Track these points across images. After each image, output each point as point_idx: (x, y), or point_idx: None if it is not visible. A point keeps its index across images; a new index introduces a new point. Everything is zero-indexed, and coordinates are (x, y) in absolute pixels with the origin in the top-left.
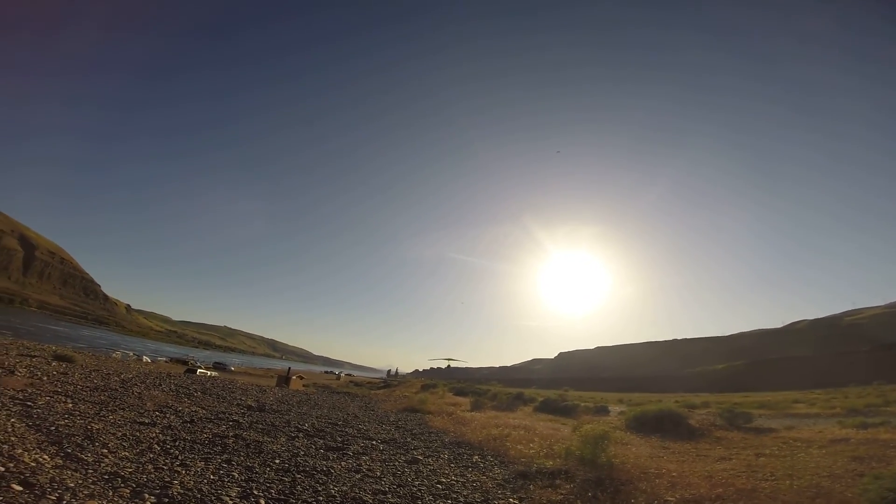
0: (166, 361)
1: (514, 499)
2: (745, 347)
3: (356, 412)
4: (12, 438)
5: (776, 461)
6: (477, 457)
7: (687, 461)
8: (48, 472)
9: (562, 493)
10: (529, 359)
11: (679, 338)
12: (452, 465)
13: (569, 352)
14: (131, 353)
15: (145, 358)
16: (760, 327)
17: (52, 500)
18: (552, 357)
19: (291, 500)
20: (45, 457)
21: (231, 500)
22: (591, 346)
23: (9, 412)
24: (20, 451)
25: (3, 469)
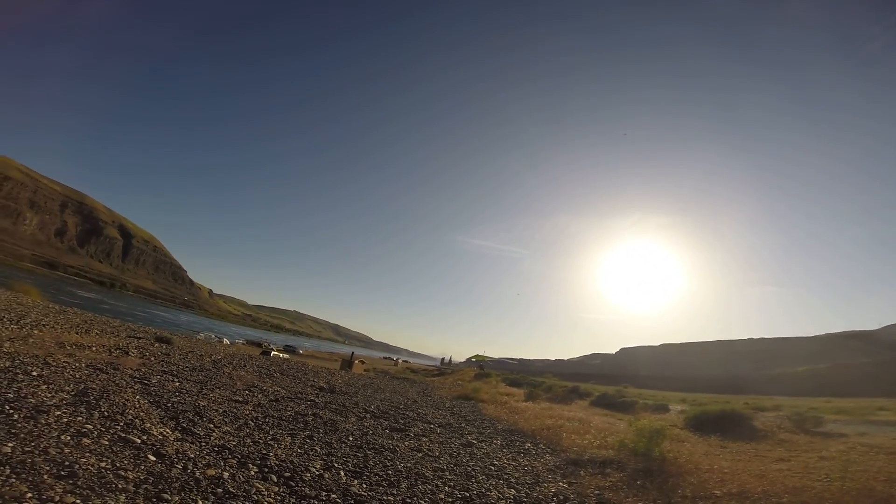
0: (244, 343)
1: (563, 483)
2: (827, 350)
3: (415, 397)
4: (141, 413)
5: (834, 464)
6: (529, 444)
7: (742, 460)
8: (172, 444)
9: (611, 481)
10: (588, 353)
11: (755, 337)
12: (505, 451)
13: (631, 347)
14: (213, 336)
15: (226, 340)
16: (849, 329)
17: (179, 468)
18: (613, 352)
19: (366, 473)
20: (167, 430)
21: (317, 470)
22: (656, 343)
23: (133, 389)
24: (149, 424)
25: (139, 441)
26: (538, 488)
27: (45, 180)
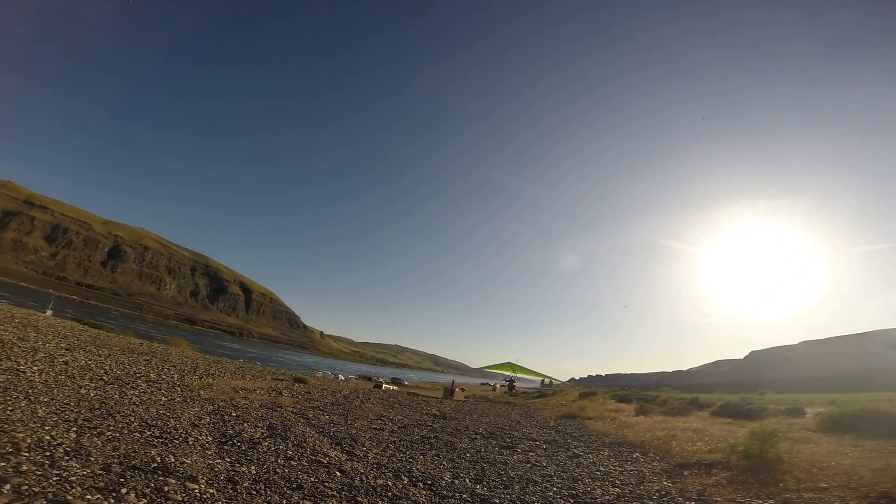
0: (356, 378)
1: (667, 482)
2: None
3: (518, 418)
4: (316, 442)
5: None
6: (638, 454)
7: (871, 458)
8: (346, 463)
9: (715, 479)
10: (711, 361)
11: None
12: (612, 460)
13: (763, 350)
14: (329, 373)
15: (341, 376)
16: None
17: (358, 480)
18: (741, 357)
19: (484, 480)
20: (339, 453)
21: (448, 479)
22: (794, 342)
23: (301, 423)
24: (326, 449)
25: (325, 461)
26: (641, 487)
27: (175, 247)
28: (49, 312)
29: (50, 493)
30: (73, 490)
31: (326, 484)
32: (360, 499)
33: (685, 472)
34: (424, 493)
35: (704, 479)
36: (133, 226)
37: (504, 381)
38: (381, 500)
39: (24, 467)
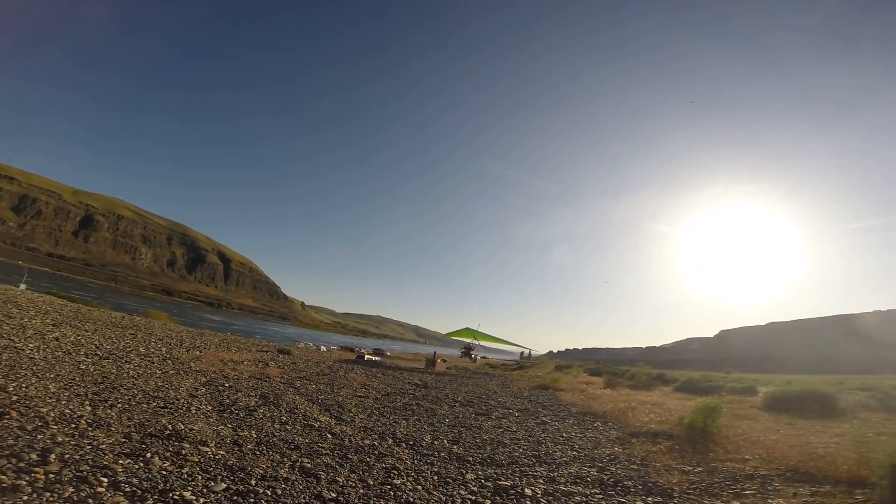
0: (339, 350)
1: (618, 448)
2: None
3: (495, 388)
4: (306, 409)
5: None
6: (599, 423)
7: (800, 434)
8: (335, 427)
9: (658, 447)
10: (683, 338)
11: (883, 309)
12: (575, 427)
13: (732, 329)
14: (311, 344)
15: (322, 348)
16: None
17: (347, 441)
18: (711, 336)
19: (461, 441)
20: (328, 418)
21: (428, 441)
22: (762, 322)
23: (291, 393)
24: (316, 415)
25: (317, 425)
26: (596, 451)
27: (150, 216)
28: (23, 286)
29: (89, 460)
30: (107, 457)
31: (320, 444)
32: (350, 456)
33: (634, 440)
34: (407, 451)
35: (650, 446)
36: (107, 195)
37: (462, 349)
38: (368, 457)
39: (59, 438)
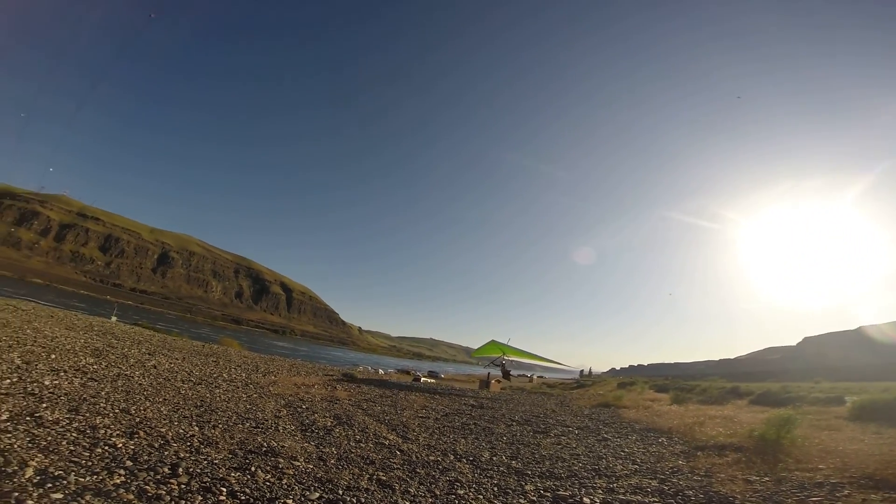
0: (395, 372)
1: (681, 461)
2: None
3: (553, 407)
4: (375, 428)
5: None
6: (663, 438)
7: (882, 445)
8: (402, 444)
9: (725, 460)
10: (761, 348)
11: None
12: (638, 443)
13: (816, 336)
14: (370, 368)
15: (381, 371)
16: None
17: (414, 457)
18: (793, 344)
19: (519, 457)
20: (395, 437)
21: (486, 457)
22: (851, 328)
23: (360, 414)
24: (384, 434)
25: (387, 443)
26: (658, 465)
27: (218, 251)
28: (114, 319)
29: (208, 472)
30: (221, 470)
31: (391, 460)
32: (418, 470)
33: (699, 454)
34: (468, 466)
35: (715, 459)
36: (178, 232)
37: (496, 365)
38: (434, 471)
39: (181, 454)
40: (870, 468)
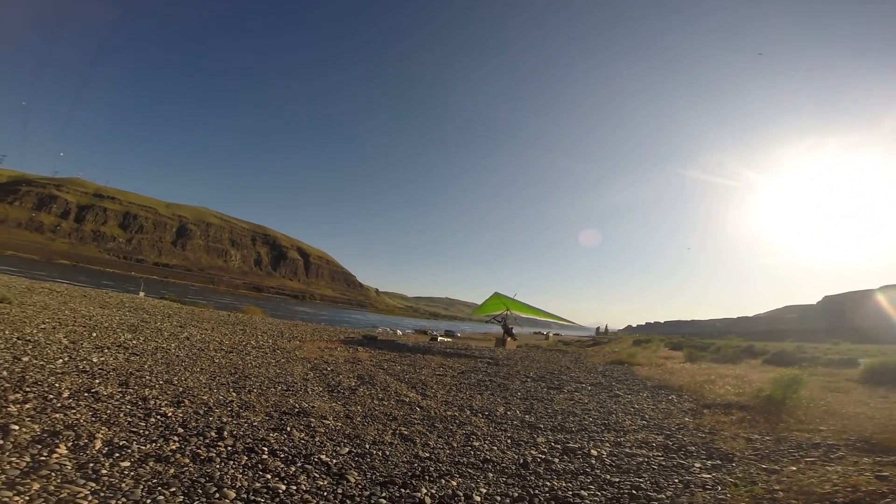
0: (413, 333)
1: (688, 418)
2: None
3: (567, 364)
4: (396, 387)
5: None
6: (673, 396)
7: (887, 409)
8: (421, 401)
9: (730, 418)
10: (780, 306)
11: None
12: (648, 400)
13: (838, 294)
14: (388, 329)
15: (399, 332)
16: None
17: (433, 413)
18: (814, 303)
19: (532, 412)
20: (414, 394)
21: (501, 412)
22: (874, 286)
23: (382, 374)
24: (405, 391)
25: (407, 400)
26: (665, 421)
27: (234, 220)
28: (142, 294)
29: (249, 434)
30: (260, 431)
31: (411, 416)
32: (436, 424)
33: (706, 411)
34: (483, 420)
35: (721, 417)
36: (193, 205)
37: (497, 321)
38: (451, 425)
39: (224, 419)
40: (867, 432)
